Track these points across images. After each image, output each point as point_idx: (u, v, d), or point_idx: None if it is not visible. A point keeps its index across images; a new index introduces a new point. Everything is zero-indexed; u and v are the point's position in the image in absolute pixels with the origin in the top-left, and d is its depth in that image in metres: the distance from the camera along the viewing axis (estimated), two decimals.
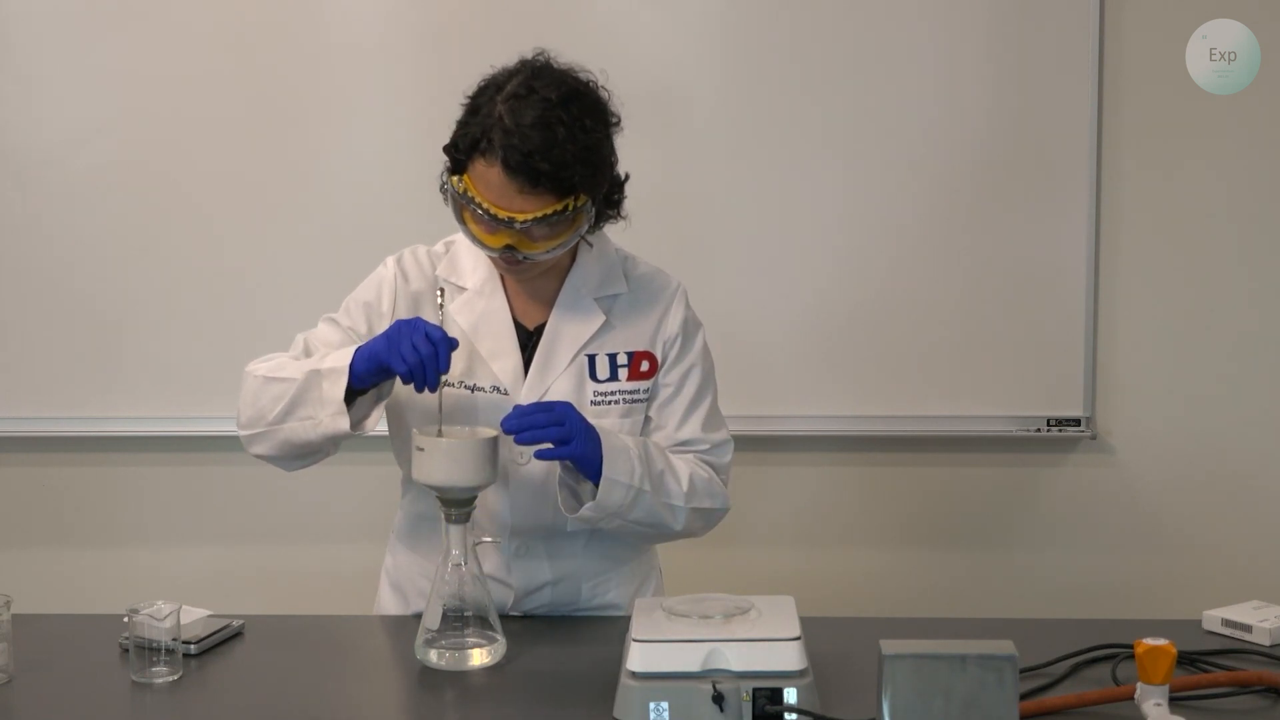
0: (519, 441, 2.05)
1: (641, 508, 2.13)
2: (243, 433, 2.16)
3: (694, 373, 2.28)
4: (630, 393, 2.24)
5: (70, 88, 3.29)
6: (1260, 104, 3.30)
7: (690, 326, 2.29)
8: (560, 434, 2.04)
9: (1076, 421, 3.37)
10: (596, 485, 2.10)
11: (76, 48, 3.29)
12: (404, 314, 2.22)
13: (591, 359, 2.23)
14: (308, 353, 2.20)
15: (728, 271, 3.31)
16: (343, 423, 2.07)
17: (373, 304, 2.24)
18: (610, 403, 2.22)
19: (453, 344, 2.04)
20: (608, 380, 2.23)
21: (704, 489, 2.22)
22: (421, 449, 2.01)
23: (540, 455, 2.06)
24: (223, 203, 3.32)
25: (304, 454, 2.16)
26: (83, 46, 3.29)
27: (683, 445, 2.26)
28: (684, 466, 2.21)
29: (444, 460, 2.00)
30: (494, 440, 2.04)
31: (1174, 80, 3.23)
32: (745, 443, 3.34)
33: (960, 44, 3.28)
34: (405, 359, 2.01)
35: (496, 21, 3.09)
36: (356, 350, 2.07)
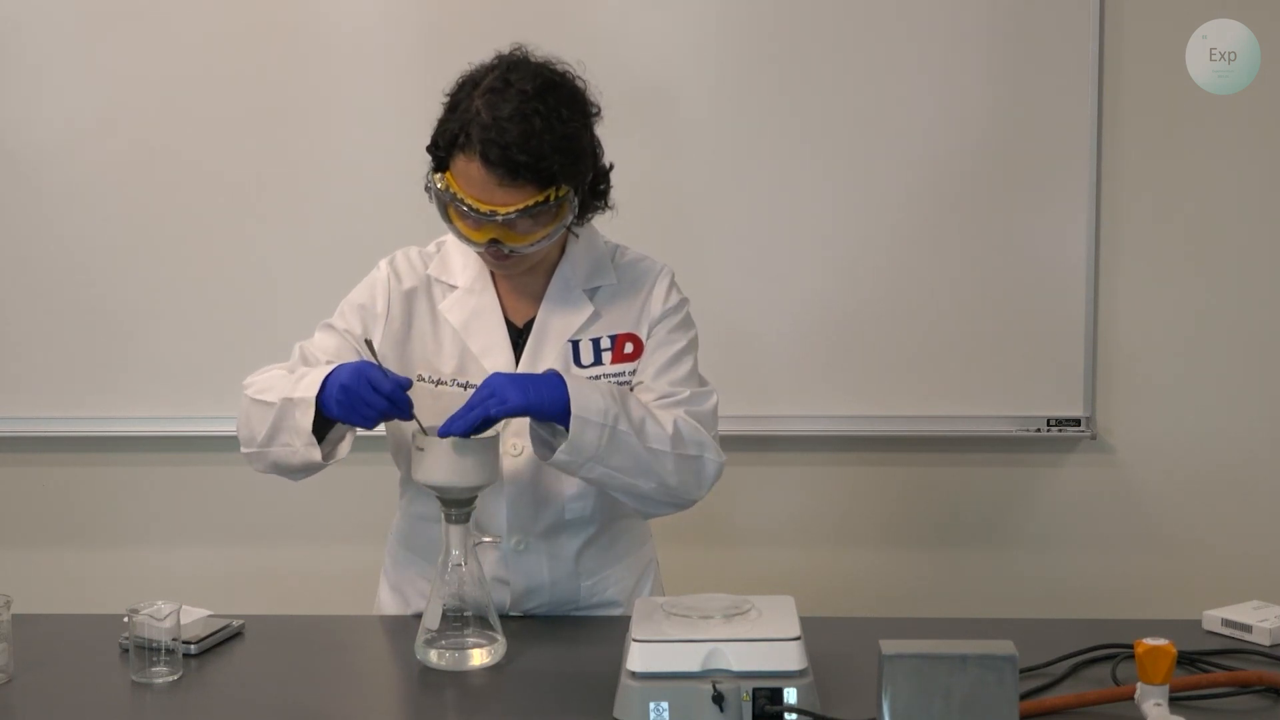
0: (450, 432, 2.00)
1: (623, 452, 2.07)
2: (242, 450, 2.17)
3: (674, 336, 2.26)
4: (615, 375, 2.22)
5: (69, 87, 3.29)
6: (1261, 104, 3.30)
7: (673, 302, 2.28)
8: (489, 404, 2.00)
9: (1076, 421, 3.37)
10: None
11: (77, 47, 3.29)
12: (398, 313, 2.23)
13: (575, 345, 2.23)
14: (305, 361, 2.20)
15: (727, 271, 3.31)
16: (314, 454, 2.08)
17: (367, 306, 2.25)
18: None
19: (404, 384, 2.02)
20: (591, 365, 2.22)
21: (690, 436, 2.14)
22: (422, 449, 2.01)
23: (492, 415, 1.99)
24: (224, 203, 3.32)
25: (298, 472, 2.16)
26: (83, 46, 3.29)
27: (662, 398, 2.20)
28: (667, 414, 2.15)
29: (444, 460, 2.00)
30: (494, 440, 2.04)
31: (1175, 79, 3.23)
32: (745, 443, 3.38)
33: (960, 42, 3.28)
34: (368, 419, 2.02)
35: (497, 21, 3.09)
36: (322, 394, 2.04)
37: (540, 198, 2.08)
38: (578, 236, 2.26)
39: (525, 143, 2.04)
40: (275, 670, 2.09)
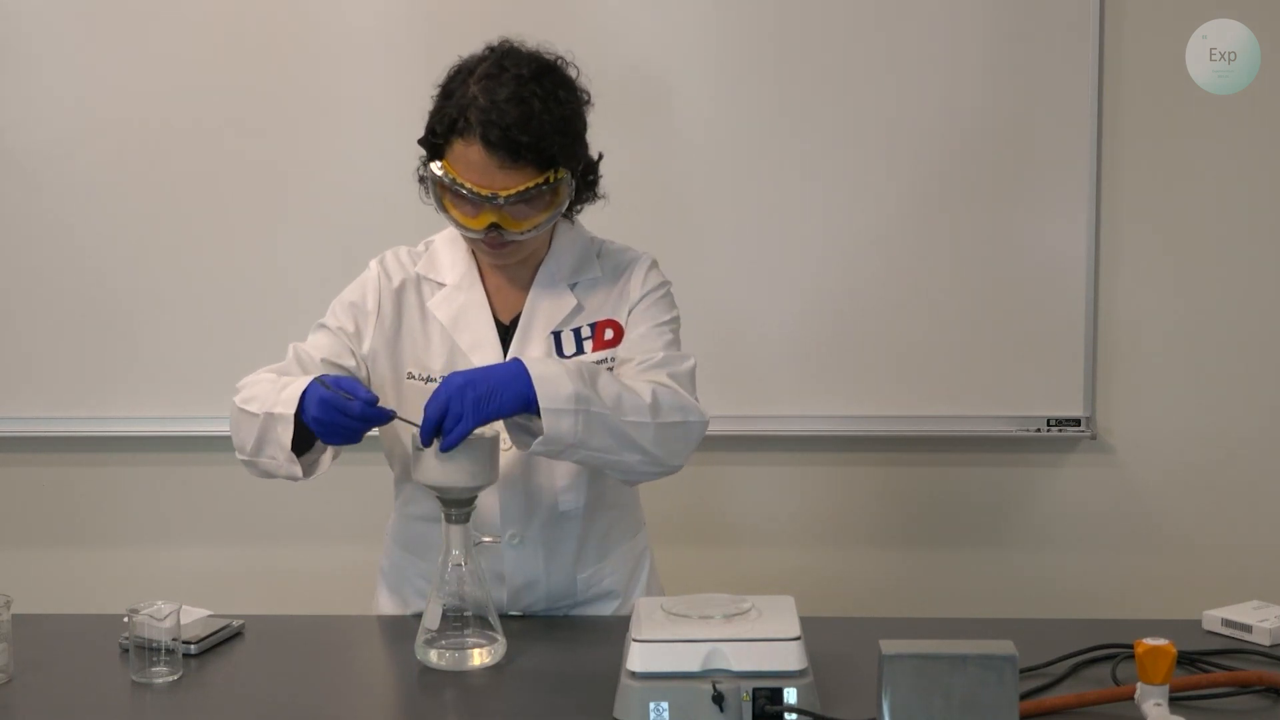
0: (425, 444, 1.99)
1: (602, 431, 2.04)
2: (237, 456, 2.17)
3: (653, 312, 2.26)
4: (597, 363, 2.21)
5: (72, 87, 3.29)
6: (1260, 103, 3.30)
7: (653, 283, 2.28)
8: (447, 424, 1.97)
9: (1076, 421, 3.37)
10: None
11: (78, 46, 3.29)
12: (389, 311, 2.24)
13: (557, 336, 2.23)
14: (299, 361, 2.20)
15: (724, 269, 3.31)
16: (295, 470, 2.09)
17: (358, 304, 2.26)
18: None
19: (372, 400, 2.00)
20: (574, 355, 2.22)
21: (669, 402, 2.11)
22: (421, 449, 2.01)
23: (444, 446, 1.97)
24: (225, 202, 3.32)
25: (290, 478, 2.15)
26: (84, 45, 3.29)
27: (639, 363, 2.19)
28: (644, 385, 2.12)
29: (444, 461, 2.00)
30: (494, 439, 2.04)
31: (1175, 79, 3.23)
32: (744, 442, 3.38)
33: (959, 40, 3.28)
34: (350, 439, 2.02)
35: (504, 20, 3.07)
36: (301, 412, 2.03)
37: (540, 180, 2.09)
38: (572, 224, 2.27)
39: (525, 124, 2.06)
40: (275, 670, 2.09)
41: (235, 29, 3.28)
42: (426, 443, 1.99)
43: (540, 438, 2.02)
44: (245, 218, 3.33)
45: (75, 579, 3.43)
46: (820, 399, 3.36)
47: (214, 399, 3.19)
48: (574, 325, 2.24)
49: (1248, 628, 2.13)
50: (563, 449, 2.05)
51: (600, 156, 2.24)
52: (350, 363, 2.22)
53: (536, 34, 2.21)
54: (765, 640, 1.82)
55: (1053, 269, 3.33)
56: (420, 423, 2.01)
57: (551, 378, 2.02)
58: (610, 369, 2.20)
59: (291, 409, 2.04)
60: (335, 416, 1.99)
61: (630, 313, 2.26)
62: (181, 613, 2.03)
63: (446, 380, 2.01)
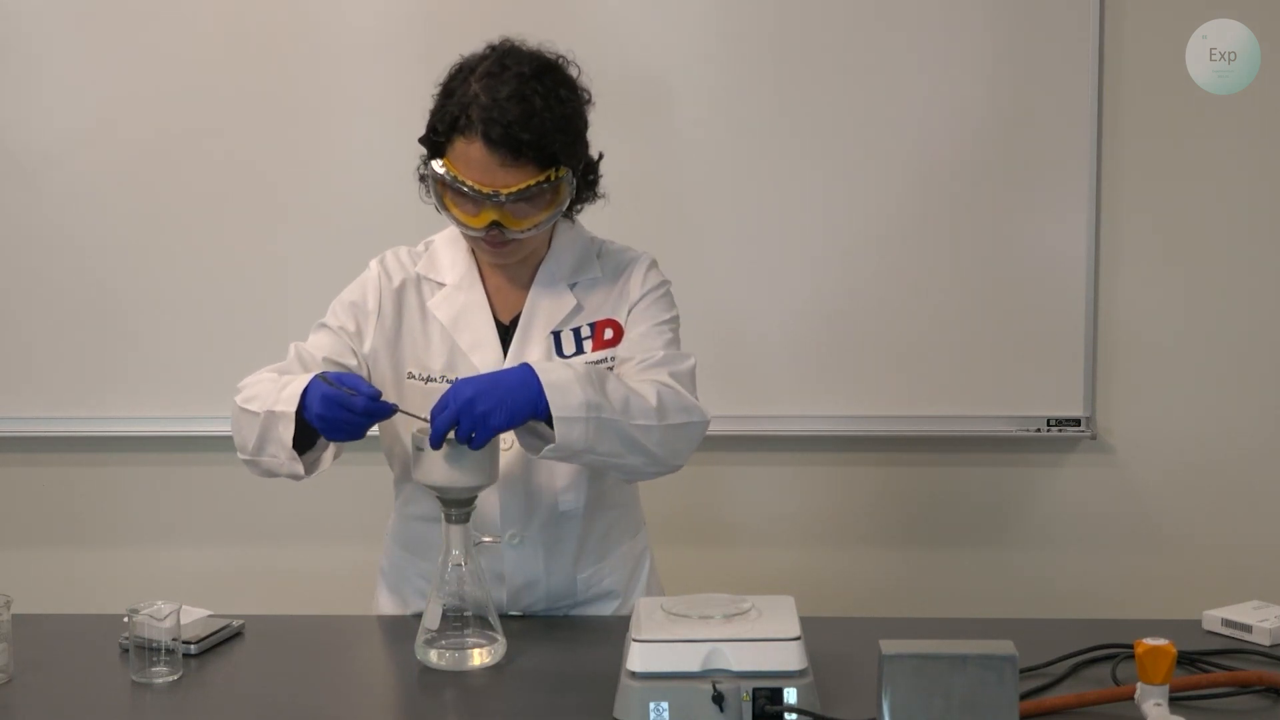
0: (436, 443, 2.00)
1: (610, 437, 2.04)
2: (238, 456, 2.17)
3: (653, 311, 2.26)
4: (597, 363, 2.21)
5: (71, 86, 3.29)
6: (1261, 104, 3.30)
7: (652, 283, 2.28)
8: (460, 432, 1.97)
9: (1076, 421, 3.37)
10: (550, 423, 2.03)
11: (78, 46, 3.29)
12: (389, 310, 2.24)
13: (557, 336, 2.23)
14: (300, 360, 2.21)
15: (724, 269, 3.31)
16: (297, 469, 2.09)
17: (359, 303, 2.26)
18: None
19: (375, 394, 2.01)
20: (573, 355, 2.22)
21: (674, 404, 2.11)
22: (422, 449, 2.01)
23: (475, 446, 1.98)
24: (225, 203, 3.32)
25: (290, 479, 2.15)
26: (84, 45, 3.29)
27: (640, 362, 2.19)
28: (649, 387, 2.12)
29: (444, 460, 2.00)
30: (494, 440, 2.04)
31: (1175, 79, 3.23)
32: (744, 442, 3.38)
33: (960, 40, 3.28)
34: (353, 435, 2.02)
35: (506, 21, 3.08)
36: (303, 410, 2.03)
37: (541, 177, 2.10)
38: (572, 224, 2.28)
39: (527, 121, 2.07)
40: (275, 670, 2.09)
41: (235, 29, 3.29)
42: (436, 446, 1.99)
43: (551, 445, 2.03)
44: (245, 217, 3.33)
45: (75, 579, 3.43)
46: (820, 399, 3.36)
47: (214, 399, 3.19)
48: (574, 325, 2.24)
49: (1248, 628, 2.13)
50: (571, 455, 2.06)
51: (600, 156, 2.25)
52: (351, 362, 2.22)
53: (536, 34, 2.22)
54: (765, 640, 1.82)
55: (1053, 269, 3.33)
56: (423, 416, 2.01)
57: (563, 386, 2.02)
58: (610, 368, 2.20)
59: (293, 407, 2.04)
60: (339, 412, 1.99)
61: (630, 312, 2.26)
62: (181, 613, 2.04)
63: (455, 390, 2.00)
